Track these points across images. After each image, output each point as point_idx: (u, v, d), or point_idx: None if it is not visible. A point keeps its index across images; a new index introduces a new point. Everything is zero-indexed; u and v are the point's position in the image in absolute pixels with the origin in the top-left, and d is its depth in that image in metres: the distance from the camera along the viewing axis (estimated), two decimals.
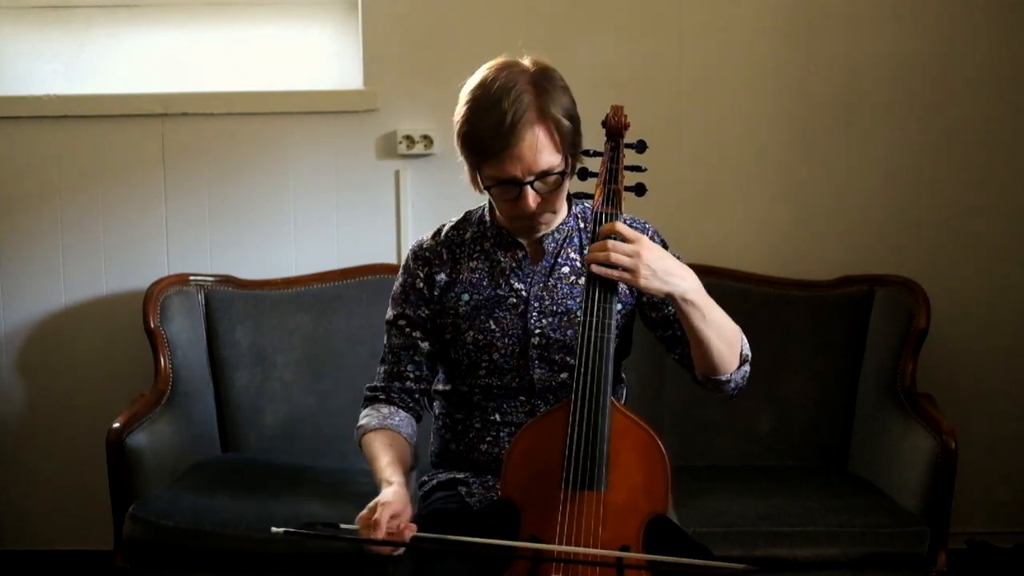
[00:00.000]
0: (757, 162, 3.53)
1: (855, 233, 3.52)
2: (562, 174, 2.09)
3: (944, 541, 2.88)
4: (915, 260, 3.47)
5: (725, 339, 2.10)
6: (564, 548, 1.91)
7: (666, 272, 1.99)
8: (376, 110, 3.50)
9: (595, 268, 1.97)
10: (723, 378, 2.13)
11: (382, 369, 2.26)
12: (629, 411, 2.03)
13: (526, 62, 2.10)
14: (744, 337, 2.17)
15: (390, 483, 2.01)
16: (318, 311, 3.38)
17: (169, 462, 3.09)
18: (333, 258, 3.52)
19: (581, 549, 1.91)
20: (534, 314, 2.18)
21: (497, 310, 2.19)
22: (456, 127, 2.11)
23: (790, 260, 3.50)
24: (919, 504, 2.91)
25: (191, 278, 3.40)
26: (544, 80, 2.08)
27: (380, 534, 1.88)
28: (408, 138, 3.49)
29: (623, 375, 2.32)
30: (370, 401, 2.25)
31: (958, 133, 3.49)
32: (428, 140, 3.49)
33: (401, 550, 1.92)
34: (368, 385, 2.27)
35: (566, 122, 2.08)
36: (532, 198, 2.07)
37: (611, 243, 1.97)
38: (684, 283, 2.01)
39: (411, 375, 2.24)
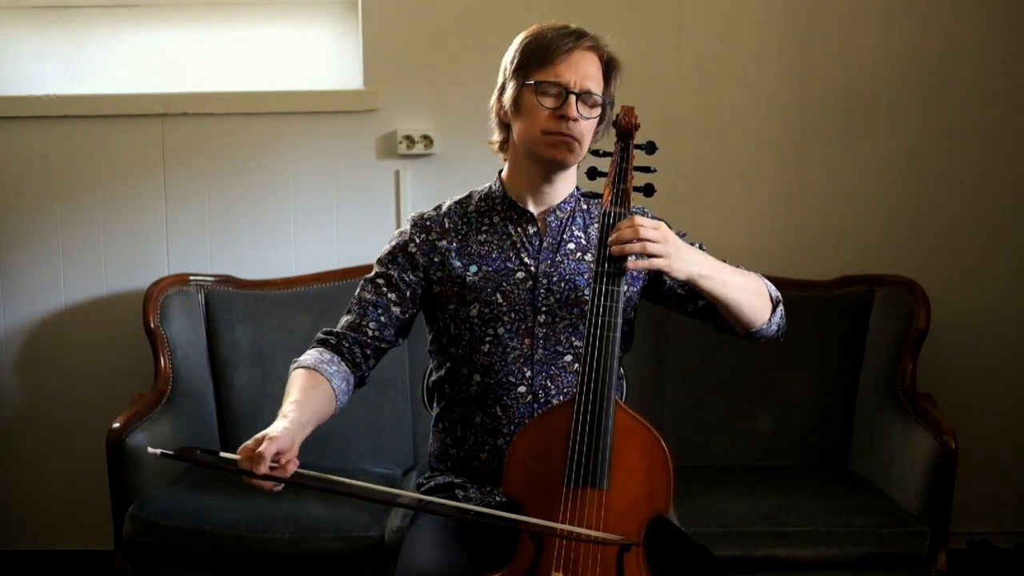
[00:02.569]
0: (757, 162, 3.53)
1: (855, 233, 3.52)
2: (602, 105, 2.17)
3: (944, 541, 2.88)
4: (915, 260, 3.47)
5: (752, 291, 2.15)
6: (541, 522, 1.89)
7: (686, 251, 2.05)
8: (376, 110, 3.50)
9: (632, 263, 2.00)
10: (764, 327, 2.19)
11: (344, 319, 2.23)
12: (633, 410, 2.03)
13: None
14: (767, 281, 2.22)
15: (285, 418, 1.96)
16: (318, 311, 3.38)
17: (169, 462, 3.09)
18: (333, 258, 3.52)
19: (564, 525, 1.90)
20: (542, 291, 2.18)
21: (505, 283, 2.19)
22: (516, 45, 2.21)
23: (790, 260, 3.50)
24: (919, 504, 2.91)
25: (191, 278, 3.39)
26: (602, 40, 2.22)
27: (263, 469, 1.83)
28: (408, 138, 3.49)
29: (623, 371, 2.32)
30: (320, 344, 2.20)
31: (957, 133, 3.49)
32: (428, 140, 3.49)
33: (281, 486, 1.88)
34: (324, 329, 2.23)
35: (617, 67, 2.22)
36: (575, 107, 2.14)
37: (643, 231, 1.99)
38: (696, 258, 2.07)
39: (371, 331, 2.20)
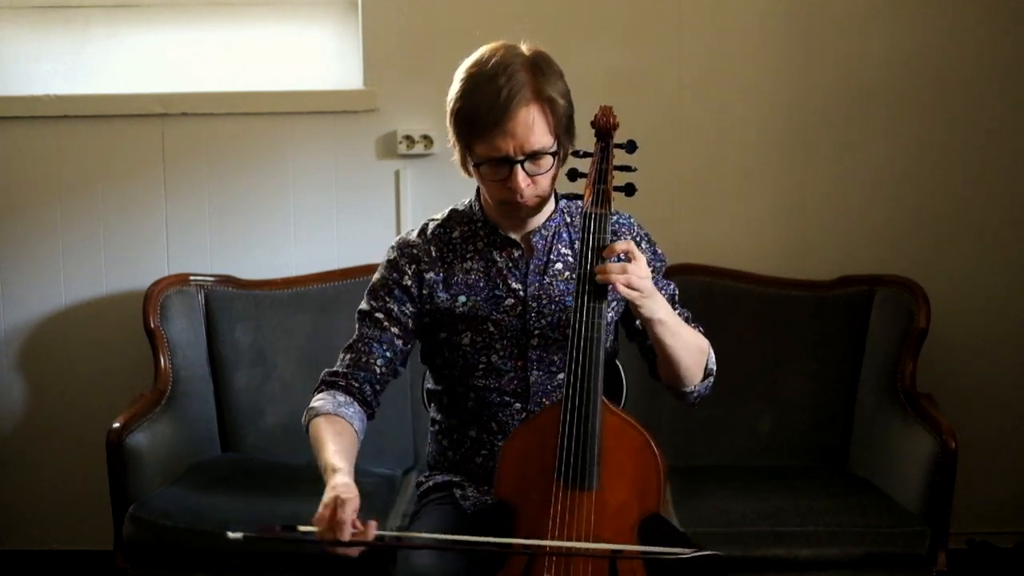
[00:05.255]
0: (757, 162, 3.53)
1: (855, 233, 3.51)
2: (553, 155, 2.09)
3: (944, 541, 2.88)
4: (915, 260, 3.46)
5: (693, 355, 2.14)
6: (557, 543, 1.89)
7: (654, 293, 2.04)
8: (376, 110, 3.50)
9: (624, 291, 1.98)
10: (687, 390, 2.18)
11: (347, 357, 2.19)
12: (622, 411, 2.04)
13: (523, 47, 2.11)
14: (711, 352, 2.21)
15: (338, 471, 1.92)
16: (318, 311, 3.38)
17: (169, 462, 3.09)
18: (333, 258, 3.51)
19: (572, 543, 1.91)
20: (532, 315, 2.18)
21: (495, 312, 2.18)
22: (449, 105, 2.11)
23: (790, 260, 3.50)
24: (919, 504, 2.91)
25: (191, 278, 3.39)
26: (541, 63, 2.09)
27: (346, 534, 1.80)
28: (408, 138, 3.49)
29: (623, 375, 2.32)
30: (328, 386, 2.17)
31: (958, 133, 3.49)
32: (428, 140, 3.49)
33: (362, 548, 1.84)
34: (328, 370, 2.19)
35: (561, 103, 2.08)
36: (522, 178, 2.06)
37: (631, 267, 1.99)
38: (660, 303, 2.06)
39: (379, 368, 2.18)
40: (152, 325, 3.26)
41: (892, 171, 3.51)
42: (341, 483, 1.88)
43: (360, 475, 3.06)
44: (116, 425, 2.98)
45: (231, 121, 3.52)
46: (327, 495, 1.85)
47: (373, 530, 1.83)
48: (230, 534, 1.79)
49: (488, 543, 1.89)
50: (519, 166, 2.06)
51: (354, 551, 1.84)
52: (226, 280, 3.44)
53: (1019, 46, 3.47)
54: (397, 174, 3.52)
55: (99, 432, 3.03)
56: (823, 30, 3.48)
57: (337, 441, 2.02)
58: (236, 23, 3.66)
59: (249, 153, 3.53)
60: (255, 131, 3.53)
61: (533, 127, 2.04)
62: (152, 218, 3.54)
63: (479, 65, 2.08)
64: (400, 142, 3.49)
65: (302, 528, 1.81)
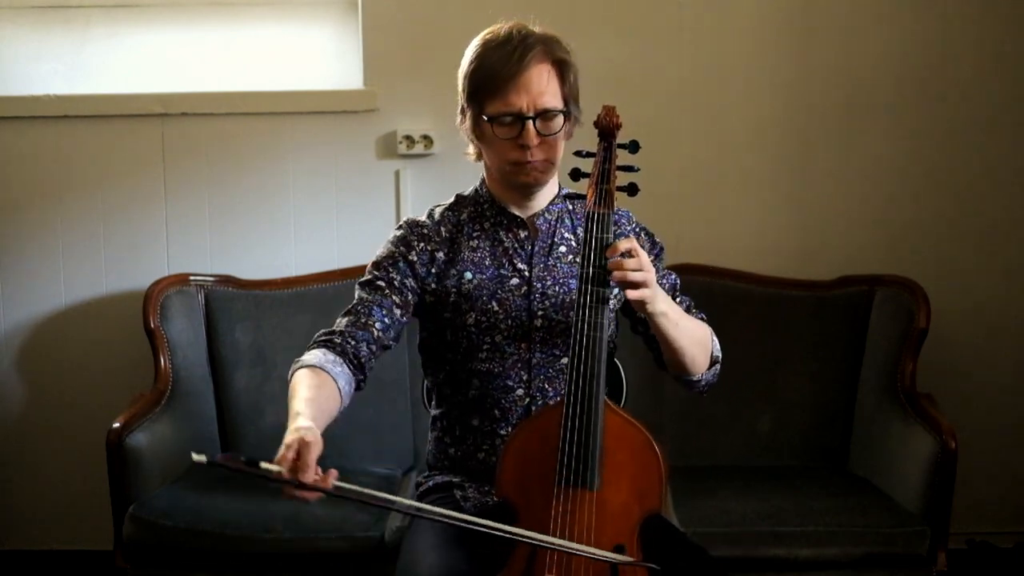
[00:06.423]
0: (757, 162, 3.53)
1: (855, 233, 3.52)
2: (564, 114, 2.13)
3: (944, 541, 2.89)
4: (915, 260, 3.47)
5: (697, 342, 2.16)
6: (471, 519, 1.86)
7: (657, 288, 2.05)
8: (376, 110, 3.51)
9: (634, 294, 1.99)
10: (694, 378, 2.20)
11: (345, 319, 2.15)
12: (624, 411, 2.04)
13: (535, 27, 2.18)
14: (715, 339, 2.23)
15: (300, 415, 1.88)
16: (318, 311, 3.38)
17: (169, 462, 3.09)
18: (333, 258, 3.52)
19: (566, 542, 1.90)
20: (537, 295, 2.18)
21: (500, 291, 2.18)
22: (462, 70, 2.16)
23: (790, 260, 3.50)
24: (919, 504, 2.91)
25: (191, 278, 3.40)
26: (551, 37, 2.16)
27: (308, 477, 1.76)
28: (408, 138, 3.49)
29: (622, 374, 2.33)
30: (322, 344, 2.12)
31: (958, 133, 3.49)
32: (428, 140, 3.49)
33: (319, 495, 1.80)
34: (324, 330, 2.15)
35: (573, 68, 2.15)
36: (534, 134, 2.10)
37: (644, 263, 2.00)
38: (661, 295, 2.07)
39: (377, 330, 2.14)
40: (152, 325, 3.26)
41: (892, 171, 3.51)
42: (304, 426, 1.85)
43: (360, 475, 3.10)
44: (116, 425, 2.98)
45: (231, 121, 3.52)
46: (289, 436, 1.81)
47: (333, 479, 1.80)
48: (194, 456, 1.73)
49: (461, 519, 1.87)
50: (531, 122, 2.09)
51: (312, 495, 1.80)
52: (226, 280, 3.44)
53: (1019, 46, 3.47)
54: (397, 174, 3.52)
55: (99, 432, 3.03)
56: (824, 30, 3.48)
57: (312, 391, 1.99)
58: (236, 23, 3.66)
59: (249, 153, 3.53)
60: (255, 131, 3.53)
61: (546, 85, 2.10)
62: (152, 218, 3.54)
63: (493, 33, 2.16)
64: (400, 142, 3.49)
65: (265, 464, 1.77)
